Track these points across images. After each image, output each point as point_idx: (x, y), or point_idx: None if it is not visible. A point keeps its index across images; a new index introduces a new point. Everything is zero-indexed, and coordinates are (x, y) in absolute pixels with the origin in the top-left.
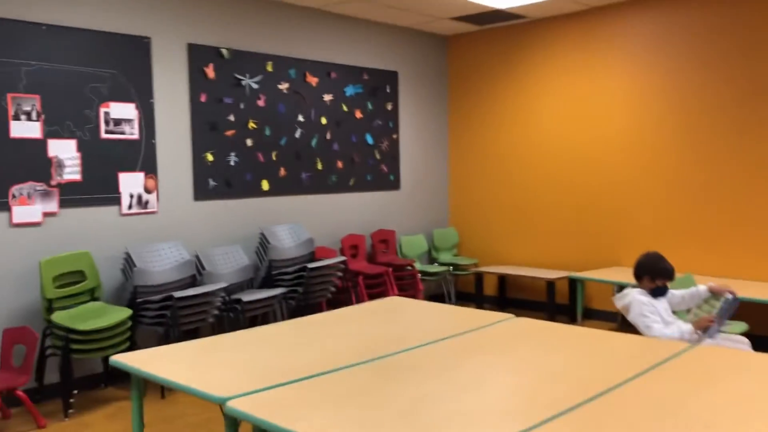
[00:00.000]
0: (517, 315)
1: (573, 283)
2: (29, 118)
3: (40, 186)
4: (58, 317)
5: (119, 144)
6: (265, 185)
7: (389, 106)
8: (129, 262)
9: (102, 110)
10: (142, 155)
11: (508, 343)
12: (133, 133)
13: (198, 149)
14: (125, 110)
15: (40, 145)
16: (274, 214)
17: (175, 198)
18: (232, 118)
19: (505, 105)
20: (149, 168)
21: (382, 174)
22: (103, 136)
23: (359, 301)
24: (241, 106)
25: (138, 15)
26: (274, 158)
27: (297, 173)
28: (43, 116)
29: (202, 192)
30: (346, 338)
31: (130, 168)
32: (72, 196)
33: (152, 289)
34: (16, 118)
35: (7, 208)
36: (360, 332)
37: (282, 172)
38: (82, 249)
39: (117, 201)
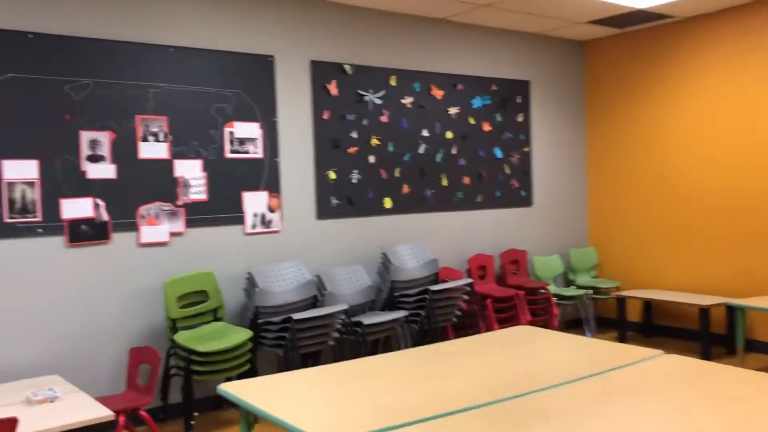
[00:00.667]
0: (666, 345)
1: (731, 310)
2: (157, 140)
3: (167, 206)
4: (180, 337)
5: (243, 163)
6: (387, 203)
7: (520, 118)
8: (251, 282)
9: (227, 130)
10: (265, 174)
11: (658, 387)
12: (257, 152)
13: (321, 167)
14: (249, 129)
15: (167, 166)
16: (396, 233)
17: (297, 217)
18: (354, 134)
19: (649, 112)
20: (272, 187)
21: (512, 190)
22: (228, 155)
23: (487, 326)
24: (364, 122)
25: (262, 34)
26: (397, 175)
27: (421, 190)
28: (170, 137)
29: (324, 210)
30: (469, 374)
31: (254, 187)
32: (197, 215)
33: (273, 309)
34: (145, 139)
35: (135, 228)
36: (485, 366)
37: (405, 189)
38: (206, 269)
39: (241, 220)
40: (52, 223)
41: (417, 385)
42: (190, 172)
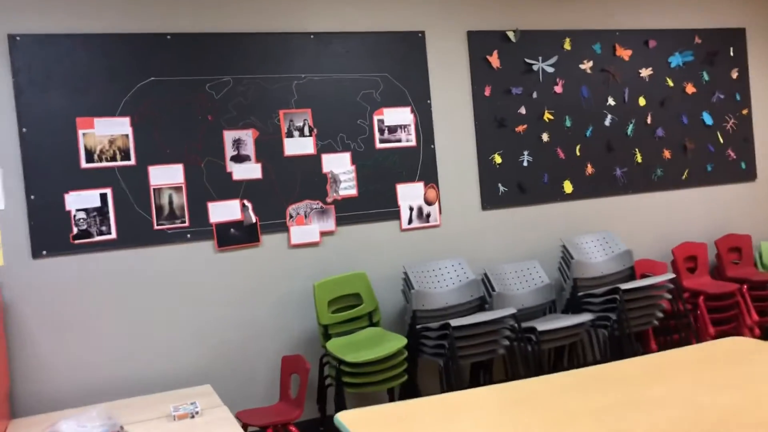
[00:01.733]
0: None
1: None
2: (302, 134)
3: (316, 204)
4: (332, 345)
5: (395, 153)
6: (567, 187)
7: (734, 74)
8: (407, 283)
9: (375, 118)
10: (420, 163)
11: None
12: (409, 139)
13: (484, 151)
14: (400, 115)
15: (314, 162)
16: (579, 222)
17: (459, 208)
18: (522, 110)
19: None
20: (429, 177)
21: (728, 162)
22: (378, 146)
23: (699, 328)
24: (534, 95)
25: (409, 8)
26: (577, 153)
27: (609, 169)
28: (315, 131)
29: (490, 199)
30: (661, 409)
31: (409, 178)
32: (348, 212)
33: (432, 313)
34: (289, 135)
35: (284, 228)
36: (686, 400)
37: (589, 169)
38: (359, 269)
39: (395, 215)
40: (200, 228)
41: (586, 423)
42: (339, 166)
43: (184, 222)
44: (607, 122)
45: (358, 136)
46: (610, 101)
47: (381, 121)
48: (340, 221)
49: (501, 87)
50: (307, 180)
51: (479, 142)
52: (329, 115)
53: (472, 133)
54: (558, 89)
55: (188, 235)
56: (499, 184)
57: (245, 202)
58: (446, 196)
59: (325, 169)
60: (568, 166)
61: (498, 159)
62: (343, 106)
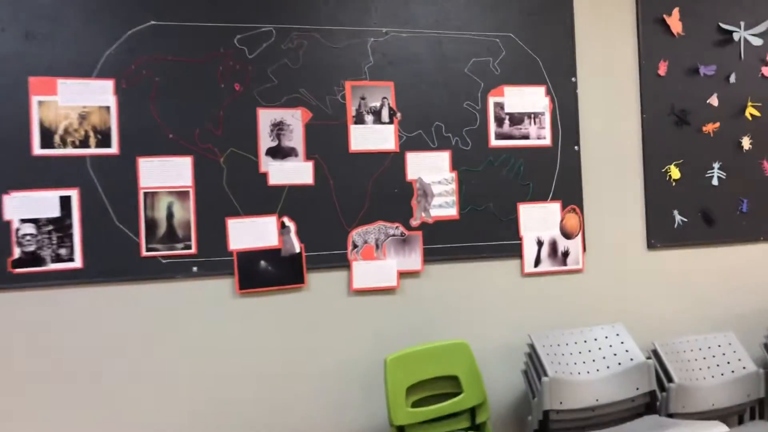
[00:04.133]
0: None
1: None
2: (378, 120)
3: (394, 228)
4: None
5: (519, 155)
6: None
7: None
8: (534, 363)
9: (491, 100)
10: (557, 173)
11: None
12: (541, 136)
13: (654, 159)
14: (529, 98)
15: (394, 163)
16: None
17: (613, 245)
18: (714, 100)
19: None
20: (569, 195)
21: None
22: (493, 143)
23: None
24: (731, 78)
25: None
26: None
27: None
28: (399, 115)
29: (660, 234)
30: None
31: (538, 195)
32: (443, 243)
33: (576, 416)
34: (359, 120)
35: (345, 264)
36: None
37: None
38: (457, 335)
39: (516, 251)
40: (214, 258)
41: None
42: (432, 171)
43: (189, 247)
44: None
45: (464, 127)
46: None
47: (499, 106)
48: (429, 256)
49: (683, 63)
50: (383, 191)
51: (647, 145)
52: (421, 93)
53: (638, 130)
54: None
55: (194, 268)
56: (675, 212)
57: (285, 220)
58: (594, 225)
59: (411, 175)
60: None
61: (675, 173)
62: (442, 80)
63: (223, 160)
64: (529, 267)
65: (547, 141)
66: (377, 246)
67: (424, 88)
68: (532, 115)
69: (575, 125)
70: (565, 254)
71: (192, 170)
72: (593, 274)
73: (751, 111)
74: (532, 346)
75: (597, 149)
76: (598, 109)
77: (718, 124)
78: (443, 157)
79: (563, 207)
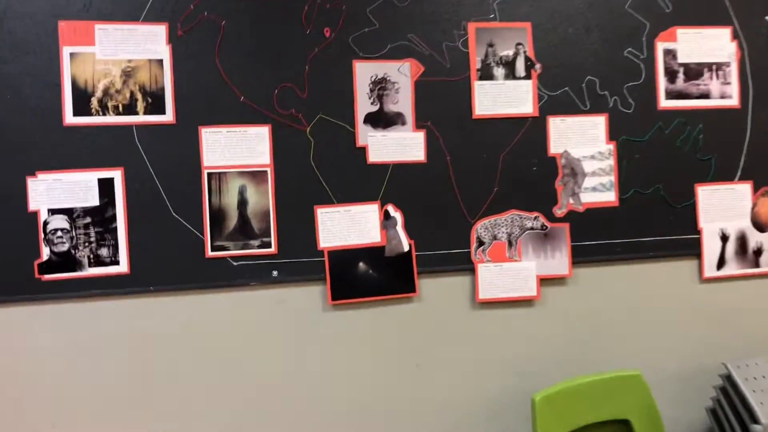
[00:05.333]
0: None
1: None
2: (511, 74)
3: (533, 219)
4: None
5: (698, 119)
6: None
7: None
8: (734, 399)
9: (660, 47)
10: (746, 144)
11: None
12: (727, 94)
13: None
14: (710, 44)
15: (533, 131)
16: None
17: None
18: None
19: None
20: (764, 174)
21: None
22: (663, 104)
23: None
24: None
25: None
26: None
27: None
28: (539, 67)
29: None
30: None
31: (722, 175)
32: (599, 239)
33: None
34: (486, 74)
35: (468, 267)
36: None
37: None
38: (625, 363)
39: (693, 249)
40: (298, 259)
41: None
42: (583, 142)
43: (268, 245)
44: None
45: (625, 82)
46: None
47: (671, 54)
48: (580, 257)
49: None
50: (518, 170)
51: None
52: (567, 38)
53: None
54: None
55: (274, 272)
56: None
57: (390, 209)
58: None
59: (555, 148)
60: None
61: None
62: (595, 20)
63: (310, 131)
64: (710, 269)
65: (734, 101)
66: (510, 243)
67: (572, 31)
68: (714, 67)
69: None
70: (758, 252)
71: (270, 144)
72: None
73: None
74: (728, 379)
75: None
76: None
77: None
78: (597, 123)
79: (755, 189)
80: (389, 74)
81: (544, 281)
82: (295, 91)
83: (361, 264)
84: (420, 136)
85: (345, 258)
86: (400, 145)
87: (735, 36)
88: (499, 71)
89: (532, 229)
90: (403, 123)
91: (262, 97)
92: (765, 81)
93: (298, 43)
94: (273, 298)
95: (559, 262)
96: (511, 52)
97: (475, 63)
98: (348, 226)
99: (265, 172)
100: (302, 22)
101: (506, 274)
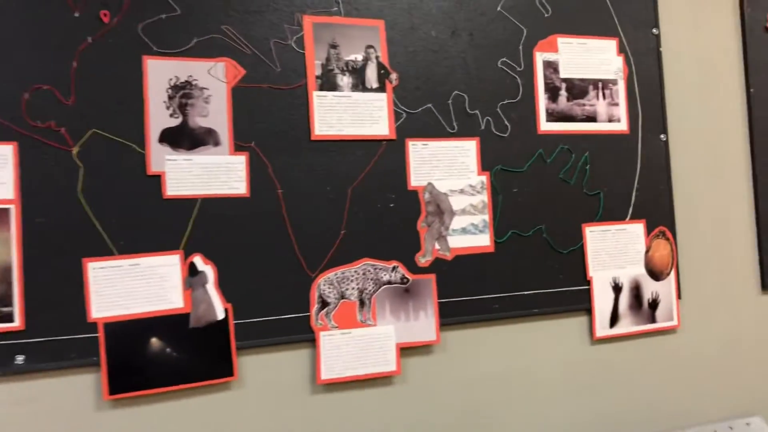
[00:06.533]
0: None
1: None
2: (360, 85)
3: (388, 270)
4: None
5: (583, 145)
6: None
7: None
8: None
9: (538, 58)
10: (637, 177)
11: None
12: (614, 116)
13: (766, 156)
14: (595, 57)
15: (390, 157)
16: None
17: (720, 287)
18: None
19: None
20: (654, 212)
21: None
22: (543, 127)
23: None
24: None
25: None
26: None
27: None
28: (396, 77)
29: None
30: None
31: (612, 214)
32: (469, 295)
33: None
34: (326, 84)
35: (306, 335)
36: None
37: None
38: None
39: (583, 302)
40: (57, 336)
41: None
42: (451, 172)
43: (10, 318)
44: None
45: (499, 100)
46: None
47: (552, 67)
48: (449, 317)
49: None
50: (370, 207)
51: (757, 134)
52: (429, 42)
53: (743, 113)
54: None
55: (19, 358)
56: None
57: (197, 260)
58: (688, 257)
59: (417, 179)
60: None
61: None
62: (463, 22)
63: (78, 152)
64: (603, 328)
65: (622, 125)
66: (362, 302)
67: (435, 34)
68: (600, 84)
69: (659, 101)
70: (653, 305)
71: (15, 171)
72: (693, 333)
73: None
74: None
75: (695, 142)
76: (690, 80)
77: None
78: (467, 149)
79: (648, 230)
80: (196, 77)
81: (405, 351)
82: (55, 96)
83: (154, 340)
84: (241, 162)
85: (130, 332)
86: (213, 173)
87: (621, 50)
88: (344, 80)
89: (389, 283)
90: (216, 143)
91: (5, 106)
92: (655, 104)
93: (62, 30)
94: (15, 397)
95: (423, 324)
96: (360, 57)
97: (314, 68)
98: (135, 286)
99: (6, 210)
100: (68, 1)
101: (357, 344)
